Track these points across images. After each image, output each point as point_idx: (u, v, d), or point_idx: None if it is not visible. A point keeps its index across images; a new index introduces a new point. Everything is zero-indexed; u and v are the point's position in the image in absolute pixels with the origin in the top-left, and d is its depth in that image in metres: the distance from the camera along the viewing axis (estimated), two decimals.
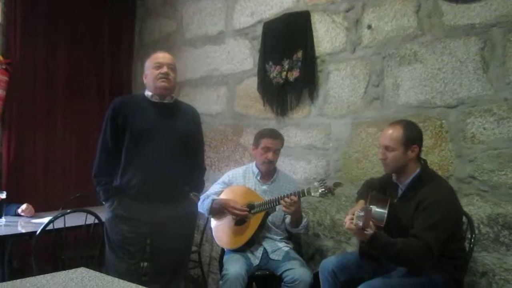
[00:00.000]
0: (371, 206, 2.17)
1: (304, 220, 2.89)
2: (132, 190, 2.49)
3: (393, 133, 2.28)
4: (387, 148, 2.29)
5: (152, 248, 2.58)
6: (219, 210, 2.96)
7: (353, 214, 2.11)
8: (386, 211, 2.22)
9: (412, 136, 2.28)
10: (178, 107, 2.67)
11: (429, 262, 2.12)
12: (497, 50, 2.46)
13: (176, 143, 2.55)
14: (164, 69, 2.53)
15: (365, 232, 2.07)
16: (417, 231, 2.12)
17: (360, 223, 2.03)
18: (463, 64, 2.58)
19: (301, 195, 2.67)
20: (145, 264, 2.56)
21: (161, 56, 2.61)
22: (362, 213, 2.03)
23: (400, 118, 2.69)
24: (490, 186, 2.48)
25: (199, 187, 2.76)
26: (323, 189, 2.56)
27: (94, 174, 2.56)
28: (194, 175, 2.70)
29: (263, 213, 2.84)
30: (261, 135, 2.99)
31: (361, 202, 2.38)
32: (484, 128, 2.50)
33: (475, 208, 2.52)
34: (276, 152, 2.96)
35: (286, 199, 2.67)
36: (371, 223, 2.09)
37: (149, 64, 2.60)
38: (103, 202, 2.58)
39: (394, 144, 2.26)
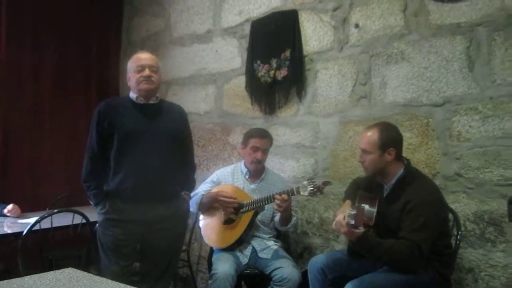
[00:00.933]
0: (363, 205, 2.18)
1: (294, 219, 2.90)
2: (125, 193, 2.49)
3: (369, 137, 2.30)
4: (364, 151, 2.32)
5: (143, 247, 2.57)
6: (209, 204, 2.95)
7: (345, 213, 2.12)
8: (375, 210, 2.24)
9: (388, 139, 2.28)
10: (163, 106, 2.66)
11: (419, 263, 2.14)
12: (482, 49, 2.49)
13: (164, 143, 2.54)
14: (146, 72, 2.51)
15: (356, 231, 2.08)
16: (405, 233, 2.14)
17: (352, 221, 2.04)
18: (449, 63, 2.61)
19: (290, 194, 2.67)
20: (137, 264, 2.55)
21: (143, 58, 2.57)
22: (354, 212, 2.04)
23: (387, 116, 2.73)
24: (476, 184, 2.51)
25: (190, 186, 2.76)
26: (312, 188, 2.56)
27: (83, 180, 2.56)
28: (184, 173, 2.70)
29: (252, 212, 2.84)
30: (249, 134, 2.99)
31: (348, 202, 2.39)
32: (470, 126, 2.53)
33: (461, 205, 2.55)
34: (265, 151, 2.95)
35: (277, 196, 2.68)
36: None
37: (131, 66, 2.58)
38: (95, 206, 2.58)
39: (370, 148, 2.29)
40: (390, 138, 2.29)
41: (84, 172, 2.55)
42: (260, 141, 2.92)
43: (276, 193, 2.70)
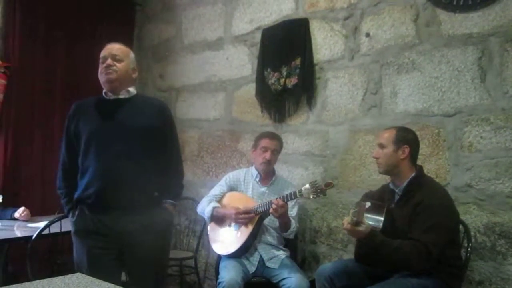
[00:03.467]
0: (363, 202, 2.19)
1: (293, 226, 2.87)
2: (89, 200, 2.22)
3: (387, 133, 2.39)
4: (380, 145, 2.38)
5: (126, 263, 2.30)
6: (221, 218, 2.96)
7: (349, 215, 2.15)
8: (382, 217, 2.24)
9: (404, 137, 2.35)
10: (137, 101, 2.34)
11: (428, 264, 2.13)
12: (494, 59, 2.48)
13: (134, 143, 2.23)
14: (107, 62, 2.28)
15: (359, 228, 2.10)
16: (415, 234, 2.14)
17: (355, 218, 2.07)
18: (461, 73, 2.59)
19: (292, 197, 2.68)
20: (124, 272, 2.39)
21: (106, 48, 2.35)
22: (356, 209, 2.09)
23: (397, 126, 2.72)
24: (487, 195, 2.49)
25: (174, 193, 2.39)
26: (314, 190, 2.57)
27: (57, 187, 2.38)
28: (166, 178, 2.34)
29: (257, 218, 2.83)
30: (260, 136, 3.03)
31: None
32: (481, 137, 2.51)
33: (472, 216, 2.52)
34: (274, 152, 2.96)
35: (273, 200, 2.68)
36: (365, 220, 2.13)
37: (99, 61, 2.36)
38: (67, 216, 2.37)
39: (386, 142, 2.36)
40: (406, 137, 2.36)
41: (57, 179, 2.37)
42: (269, 141, 2.95)
43: (276, 198, 2.70)
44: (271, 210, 2.70)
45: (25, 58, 3.86)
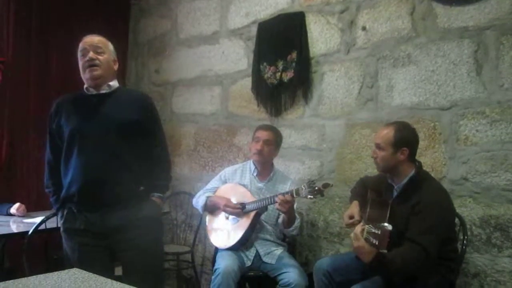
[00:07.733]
0: (386, 224, 2.07)
1: (297, 221, 2.85)
2: (74, 198, 2.20)
3: (385, 133, 2.30)
4: (377, 146, 2.32)
5: (119, 260, 2.28)
6: (213, 207, 2.96)
7: (364, 227, 2.11)
8: (386, 220, 2.16)
9: (402, 138, 2.27)
10: (118, 95, 2.30)
11: (428, 264, 2.12)
12: (490, 52, 2.48)
13: (116, 138, 2.18)
14: (89, 55, 2.22)
15: (379, 251, 2.04)
16: (413, 235, 2.12)
17: (375, 242, 2.01)
18: (457, 66, 2.59)
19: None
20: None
21: (86, 41, 2.28)
22: (378, 231, 2.00)
23: (394, 119, 2.70)
24: (483, 188, 2.50)
25: (161, 186, 2.38)
26: (311, 189, 2.51)
27: (45, 186, 2.38)
28: (151, 172, 2.31)
29: (254, 213, 2.82)
30: (256, 128, 3.03)
31: (356, 203, 2.38)
32: (477, 130, 2.52)
33: (468, 209, 2.53)
34: (267, 143, 2.92)
35: (280, 196, 2.63)
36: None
37: (78, 54, 2.30)
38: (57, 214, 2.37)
39: (384, 144, 2.29)
40: (405, 138, 2.29)
41: (44, 178, 2.38)
42: (262, 132, 2.94)
43: (281, 193, 2.67)
44: (277, 206, 2.65)
45: (19, 53, 3.84)
